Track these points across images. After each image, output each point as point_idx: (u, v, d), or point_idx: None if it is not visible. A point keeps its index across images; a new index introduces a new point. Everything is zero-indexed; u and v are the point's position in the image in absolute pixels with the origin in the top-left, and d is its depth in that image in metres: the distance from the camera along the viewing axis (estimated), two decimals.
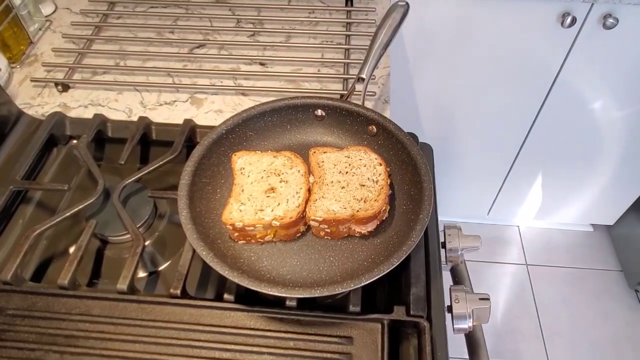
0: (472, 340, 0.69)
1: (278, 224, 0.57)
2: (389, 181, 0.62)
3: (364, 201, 0.59)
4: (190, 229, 0.55)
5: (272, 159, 0.64)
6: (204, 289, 0.63)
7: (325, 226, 0.59)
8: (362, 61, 0.70)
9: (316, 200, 0.60)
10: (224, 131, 0.65)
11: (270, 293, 0.50)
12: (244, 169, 0.63)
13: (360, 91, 0.69)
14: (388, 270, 0.51)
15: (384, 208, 0.59)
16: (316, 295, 0.50)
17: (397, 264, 0.52)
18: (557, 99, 1.26)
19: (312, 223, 0.59)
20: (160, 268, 0.67)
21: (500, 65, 1.20)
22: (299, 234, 0.60)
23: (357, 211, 0.58)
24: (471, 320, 0.62)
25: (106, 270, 0.67)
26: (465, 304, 0.62)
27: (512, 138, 1.40)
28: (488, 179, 1.55)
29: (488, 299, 0.64)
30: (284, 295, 0.50)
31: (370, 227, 0.59)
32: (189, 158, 0.62)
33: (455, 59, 1.19)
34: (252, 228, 0.57)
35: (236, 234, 0.58)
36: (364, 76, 0.69)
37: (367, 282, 0.50)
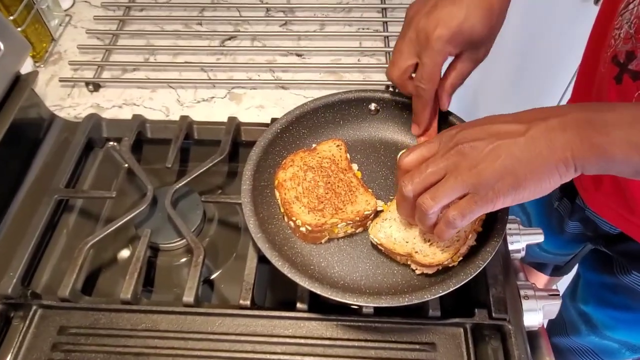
0: (531, 333, 0.67)
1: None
2: (473, 237, 0.53)
3: (429, 244, 0.52)
4: (261, 239, 0.52)
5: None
6: (264, 297, 0.61)
7: (382, 248, 0.55)
8: None
9: (385, 219, 0.55)
10: (278, 130, 0.62)
11: (357, 304, 0.48)
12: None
13: None
14: (476, 273, 0.49)
15: (447, 261, 0.52)
16: (405, 303, 0.47)
17: (483, 266, 0.49)
18: None
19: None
20: (213, 276, 0.64)
21: (526, 48, 1.17)
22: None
23: (416, 252, 0.52)
24: (541, 317, 0.61)
25: (158, 280, 0.64)
26: (535, 301, 0.60)
27: None
28: None
29: (558, 295, 0.62)
30: (371, 305, 0.48)
31: (428, 270, 0.53)
32: (247, 161, 0.59)
33: None
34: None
35: (311, 236, 0.55)
36: None
37: (455, 287, 0.48)
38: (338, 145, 0.62)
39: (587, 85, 0.64)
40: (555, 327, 0.96)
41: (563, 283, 1.02)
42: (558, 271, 1.05)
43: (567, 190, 0.78)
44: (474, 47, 0.53)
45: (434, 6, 0.51)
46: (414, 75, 0.57)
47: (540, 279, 1.15)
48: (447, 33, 0.50)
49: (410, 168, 0.46)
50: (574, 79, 1.22)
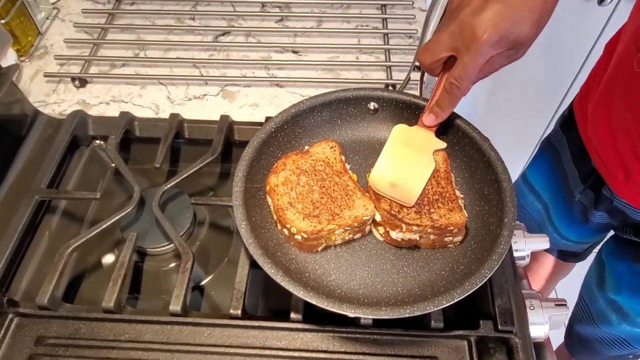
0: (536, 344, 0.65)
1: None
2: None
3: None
4: (253, 244, 0.49)
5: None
6: (256, 306, 0.58)
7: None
8: (404, 47, 0.64)
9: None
10: (273, 129, 0.59)
11: (355, 315, 0.45)
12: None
13: (416, 80, 0.63)
14: (482, 283, 0.46)
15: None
16: (406, 315, 0.44)
17: (490, 275, 0.47)
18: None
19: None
20: (203, 282, 0.61)
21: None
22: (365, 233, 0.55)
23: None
24: (547, 328, 0.58)
25: (145, 285, 0.61)
26: (541, 311, 0.58)
27: (537, 123, 1.36)
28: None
29: (565, 305, 0.60)
30: (370, 316, 0.45)
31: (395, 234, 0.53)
32: (239, 162, 0.55)
33: None
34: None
35: (306, 244, 0.52)
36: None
37: (460, 298, 0.45)
38: (332, 147, 0.59)
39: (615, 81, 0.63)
40: (581, 316, 0.95)
41: (569, 280, 0.99)
42: (574, 257, 1.05)
43: (590, 181, 0.79)
44: (515, 48, 0.51)
45: (484, 2, 0.47)
46: None
47: (548, 261, 1.12)
48: (495, 37, 0.47)
49: None
50: (578, 75, 1.21)
